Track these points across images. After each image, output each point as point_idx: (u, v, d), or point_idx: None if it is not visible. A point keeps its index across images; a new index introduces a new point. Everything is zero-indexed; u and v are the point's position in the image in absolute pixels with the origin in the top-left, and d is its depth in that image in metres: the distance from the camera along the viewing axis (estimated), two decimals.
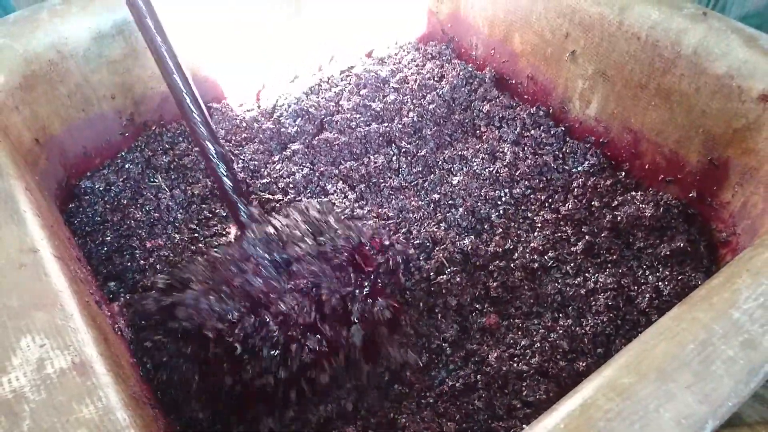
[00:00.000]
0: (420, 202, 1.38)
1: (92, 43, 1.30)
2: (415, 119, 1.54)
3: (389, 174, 1.44)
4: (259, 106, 1.65)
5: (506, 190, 1.38)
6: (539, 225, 1.29)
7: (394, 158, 1.47)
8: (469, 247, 1.24)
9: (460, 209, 1.34)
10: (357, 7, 1.71)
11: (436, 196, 1.38)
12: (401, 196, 1.38)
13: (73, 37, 1.27)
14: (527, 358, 1.05)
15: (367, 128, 1.53)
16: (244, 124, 1.56)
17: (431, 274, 1.22)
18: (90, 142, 1.40)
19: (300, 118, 1.56)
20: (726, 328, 0.68)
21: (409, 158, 1.47)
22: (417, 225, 1.33)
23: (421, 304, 1.18)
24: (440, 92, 1.60)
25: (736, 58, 1.07)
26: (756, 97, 1.04)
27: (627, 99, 1.30)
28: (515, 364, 1.04)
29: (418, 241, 1.27)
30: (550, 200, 1.35)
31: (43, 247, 0.84)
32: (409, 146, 1.49)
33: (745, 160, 1.08)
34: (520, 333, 1.11)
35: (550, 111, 1.53)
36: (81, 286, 0.91)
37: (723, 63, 1.08)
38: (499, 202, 1.36)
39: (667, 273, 1.11)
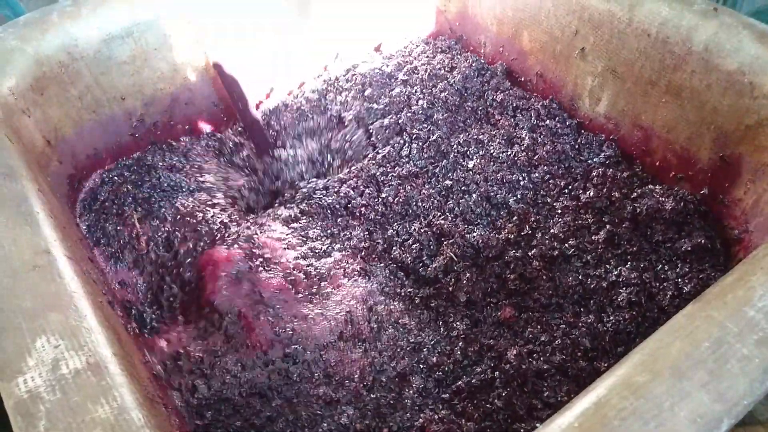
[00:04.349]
0: (431, 190, 1.37)
1: (102, 44, 1.31)
2: (425, 106, 1.54)
3: (399, 161, 1.45)
4: (260, 111, 1.65)
5: (524, 174, 1.37)
6: (559, 211, 1.28)
7: (405, 146, 1.47)
8: (480, 241, 1.23)
9: (474, 195, 1.33)
10: (365, 6, 1.71)
11: (449, 182, 1.38)
12: (408, 186, 1.38)
13: (84, 39, 1.28)
14: (547, 355, 1.04)
15: (371, 127, 1.53)
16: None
17: (439, 274, 1.21)
18: (101, 143, 1.41)
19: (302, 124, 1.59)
20: (741, 326, 0.67)
21: (420, 144, 1.47)
22: (421, 219, 1.32)
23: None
24: (451, 81, 1.60)
25: (747, 54, 1.06)
26: None
27: (637, 96, 1.30)
28: (535, 362, 1.03)
29: (416, 245, 1.26)
30: (569, 187, 1.34)
31: (56, 249, 0.84)
32: (420, 132, 1.49)
33: (757, 157, 1.07)
34: (539, 327, 1.09)
35: (561, 106, 1.52)
36: (94, 286, 0.92)
37: (734, 59, 1.07)
38: (517, 186, 1.35)
39: (686, 269, 1.10)
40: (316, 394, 1.04)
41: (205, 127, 1.59)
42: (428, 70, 1.64)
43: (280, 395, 1.04)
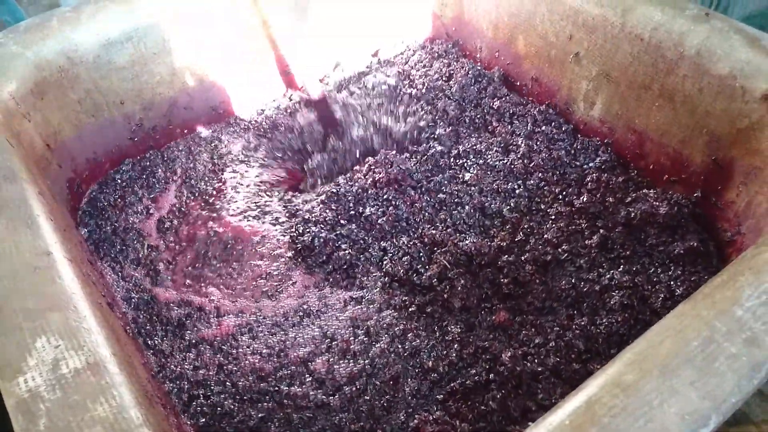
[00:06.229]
0: (422, 204, 1.37)
1: (101, 49, 1.32)
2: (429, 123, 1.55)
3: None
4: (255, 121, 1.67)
5: (520, 182, 1.38)
6: (553, 217, 1.29)
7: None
8: (473, 248, 1.23)
9: (467, 207, 1.34)
10: (361, 11, 1.73)
11: (442, 195, 1.38)
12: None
13: (83, 44, 1.29)
14: (542, 357, 1.05)
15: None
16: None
17: (434, 281, 1.20)
18: (100, 147, 1.42)
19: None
20: (729, 325, 0.69)
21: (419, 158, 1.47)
22: (412, 231, 1.32)
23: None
24: (448, 93, 1.61)
25: (738, 58, 1.07)
26: (759, 97, 1.04)
27: (631, 100, 1.31)
28: (529, 364, 1.03)
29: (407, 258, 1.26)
30: (564, 193, 1.35)
31: (56, 251, 0.85)
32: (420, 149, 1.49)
33: (749, 160, 1.08)
34: (533, 330, 1.10)
35: (557, 111, 1.54)
36: (93, 287, 0.93)
37: (726, 64, 1.09)
38: (512, 195, 1.36)
39: (679, 272, 1.11)
40: (307, 396, 1.05)
41: (203, 131, 1.60)
42: (426, 83, 1.65)
43: (271, 399, 1.05)
